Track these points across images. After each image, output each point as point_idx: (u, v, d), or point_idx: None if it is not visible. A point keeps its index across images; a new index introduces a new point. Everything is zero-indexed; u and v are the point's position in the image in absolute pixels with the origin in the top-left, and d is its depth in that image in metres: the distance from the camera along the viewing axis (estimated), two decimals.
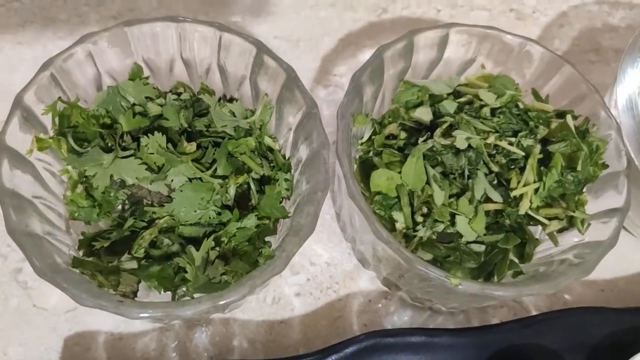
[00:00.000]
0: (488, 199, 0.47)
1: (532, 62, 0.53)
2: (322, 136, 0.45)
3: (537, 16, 0.72)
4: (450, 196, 0.47)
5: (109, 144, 0.45)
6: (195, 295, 0.41)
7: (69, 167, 0.46)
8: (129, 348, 0.50)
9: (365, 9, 0.70)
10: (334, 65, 0.66)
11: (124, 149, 0.45)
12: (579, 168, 0.47)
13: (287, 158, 0.50)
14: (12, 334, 0.50)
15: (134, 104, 0.47)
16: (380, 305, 0.54)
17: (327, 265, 0.55)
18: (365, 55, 0.65)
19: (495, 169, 0.47)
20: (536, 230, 0.51)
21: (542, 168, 0.47)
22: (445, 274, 0.41)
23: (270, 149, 0.49)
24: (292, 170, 0.48)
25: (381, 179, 0.47)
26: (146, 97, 0.47)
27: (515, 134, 0.48)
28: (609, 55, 0.68)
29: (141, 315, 0.38)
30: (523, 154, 0.47)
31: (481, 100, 0.50)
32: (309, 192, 0.44)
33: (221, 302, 0.39)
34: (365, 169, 0.50)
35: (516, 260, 0.49)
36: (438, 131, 0.48)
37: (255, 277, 0.40)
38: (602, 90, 0.51)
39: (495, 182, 0.48)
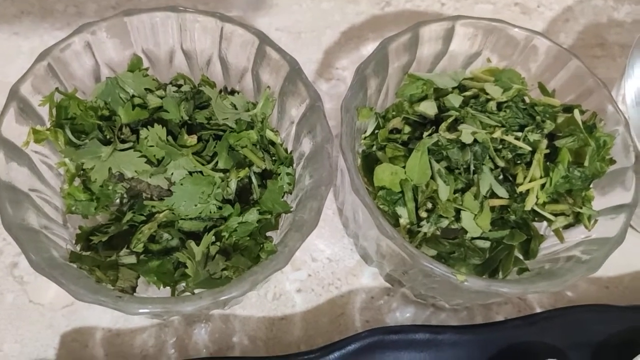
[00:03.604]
0: (493, 195, 0.46)
1: (539, 56, 0.52)
2: (326, 130, 0.44)
3: (542, 10, 0.71)
4: (455, 191, 0.46)
5: (108, 137, 0.44)
6: (196, 291, 0.40)
7: (67, 160, 0.45)
8: (127, 344, 0.49)
9: (368, 1, 0.69)
10: (336, 59, 0.65)
11: (123, 141, 0.44)
12: (586, 163, 0.46)
13: (289, 152, 0.49)
14: (8, 330, 0.49)
15: (133, 96, 0.46)
16: (382, 301, 0.53)
17: (329, 261, 0.54)
18: (368, 48, 0.65)
19: (501, 164, 0.47)
20: (540, 226, 0.50)
21: (548, 163, 0.46)
22: (452, 271, 0.40)
23: (272, 143, 0.48)
24: (295, 165, 0.48)
25: (385, 174, 0.47)
26: (146, 89, 0.46)
27: (521, 128, 0.47)
28: (615, 50, 0.68)
29: (140, 310, 0.37)
30: (529, 148, 0.47)
31: (487, 94, 0.49)
32: (312, 186, 0.43)
33: (222, 298, 0.38)
34: (369, 163, 0.49)
35: (521, 257, 0.48)
36: (443, 125, 0.47)
37: (257, 273, 0.39)
38: (608, 85, 0.50)
39: (501, 177, 0.47)
